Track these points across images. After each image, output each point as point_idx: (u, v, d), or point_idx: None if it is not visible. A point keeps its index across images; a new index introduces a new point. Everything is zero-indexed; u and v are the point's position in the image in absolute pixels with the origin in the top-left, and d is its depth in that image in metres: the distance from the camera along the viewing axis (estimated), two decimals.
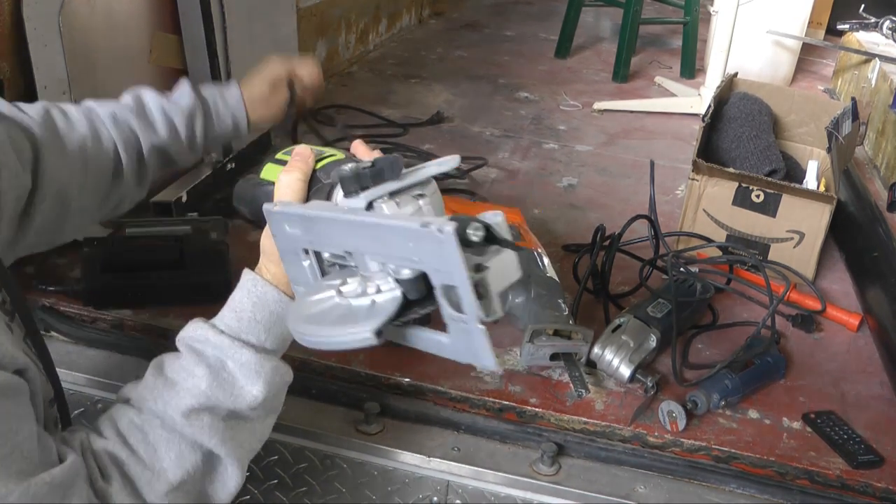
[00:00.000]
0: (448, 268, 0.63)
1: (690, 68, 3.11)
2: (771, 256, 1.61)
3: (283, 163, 0.91)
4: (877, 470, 1.13)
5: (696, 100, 2.65)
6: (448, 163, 0.79)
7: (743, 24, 2.63)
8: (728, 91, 1.95)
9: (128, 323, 1.30)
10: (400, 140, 2.22)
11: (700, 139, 1.72)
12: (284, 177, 0.86)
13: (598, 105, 2.63)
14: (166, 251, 1.37)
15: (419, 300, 0.70)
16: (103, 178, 1.12)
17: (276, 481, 1.17)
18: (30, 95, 1.38)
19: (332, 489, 1.16)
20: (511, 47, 3.36)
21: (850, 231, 1.76)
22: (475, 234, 0.65)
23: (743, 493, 1.13)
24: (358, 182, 0.75)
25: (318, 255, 0.80)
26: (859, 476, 1.12)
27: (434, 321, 0.70)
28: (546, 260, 1.39)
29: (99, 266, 1.33)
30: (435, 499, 1.13)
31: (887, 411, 1.27)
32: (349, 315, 0.72)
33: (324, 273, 0.81)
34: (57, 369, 1.22)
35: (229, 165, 1.83)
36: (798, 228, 1.58)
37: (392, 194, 0.76)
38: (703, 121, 1.76)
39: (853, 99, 1.85)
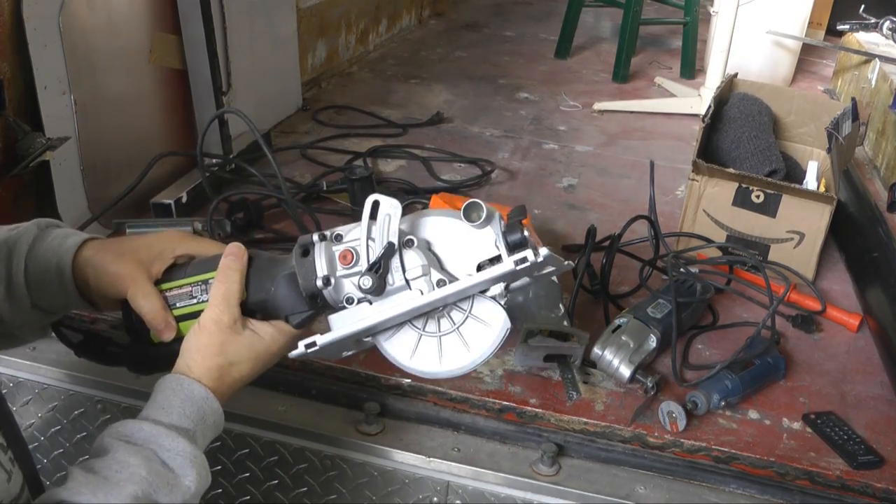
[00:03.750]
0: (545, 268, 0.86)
1: (690, 68, 3.11)
2: (771, 257, 1.61)
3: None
4: (877, 470, 1.14)
5: (696, 100, 2.65)
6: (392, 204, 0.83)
7: (743, 24, 2.63)
8: (728, 91, 1.95)
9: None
10: (400, 140, 2.22)
11: (700, 140, 1.72)
12: (223, 285, 0.84)
13: (598, 105, 2.63)
14: None
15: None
16: None
17: (276, 482, 1.17)
18: (30, 95, 1.38)
19: (333, 489, 1.16)
20: (511, 47, 3.36)
21: (850, 231, 1.76)
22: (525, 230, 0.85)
23: (743, 494, 1.13)
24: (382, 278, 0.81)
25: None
26: (859, 476, 1.12)
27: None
28: None
29: None
30: (435, 499, 1.13)
31: (887, 411, 1.27)
32: (455, 342, 0.85)
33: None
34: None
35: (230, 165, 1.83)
36: (798, 229, 1.58)
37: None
38: (703, 121, 1.75)
39: (853, 99, 1.85)
